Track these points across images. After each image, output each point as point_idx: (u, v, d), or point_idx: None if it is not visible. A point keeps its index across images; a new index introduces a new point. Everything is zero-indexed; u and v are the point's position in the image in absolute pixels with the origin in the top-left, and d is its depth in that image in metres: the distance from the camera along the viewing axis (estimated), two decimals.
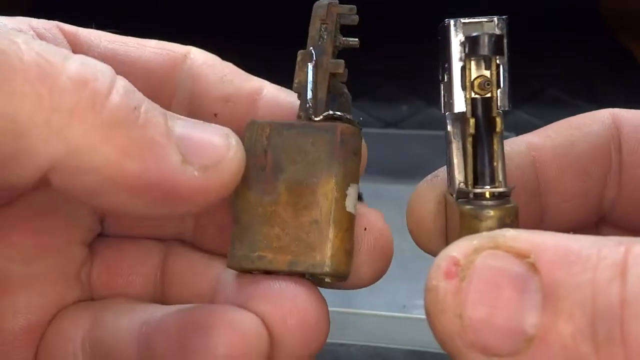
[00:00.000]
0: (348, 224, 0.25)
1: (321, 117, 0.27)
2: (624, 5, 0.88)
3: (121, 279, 0.30)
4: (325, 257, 0.25)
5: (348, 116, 0.27)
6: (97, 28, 0.30)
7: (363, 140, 0.27)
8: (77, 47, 0.29)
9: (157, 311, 0.27)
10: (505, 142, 0.25)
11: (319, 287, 0.26)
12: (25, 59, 0.20)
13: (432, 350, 0.45)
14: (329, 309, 0.27)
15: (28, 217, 0.28)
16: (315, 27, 0.27)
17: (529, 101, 0.78)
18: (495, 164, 0.24)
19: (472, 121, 0.24)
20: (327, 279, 0.26)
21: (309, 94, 0.27)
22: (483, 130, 0.24)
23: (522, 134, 0.29)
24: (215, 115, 0.29)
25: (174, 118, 0.24)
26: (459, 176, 0.25)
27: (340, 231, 0.25)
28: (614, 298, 0.17)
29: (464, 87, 0.24)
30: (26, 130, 0.20)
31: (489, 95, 0.24)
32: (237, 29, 0.82)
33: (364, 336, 0.47)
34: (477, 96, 0.24)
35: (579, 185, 0.28)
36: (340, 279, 0.26)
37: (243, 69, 0.30)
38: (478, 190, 0.24)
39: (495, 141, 0.24)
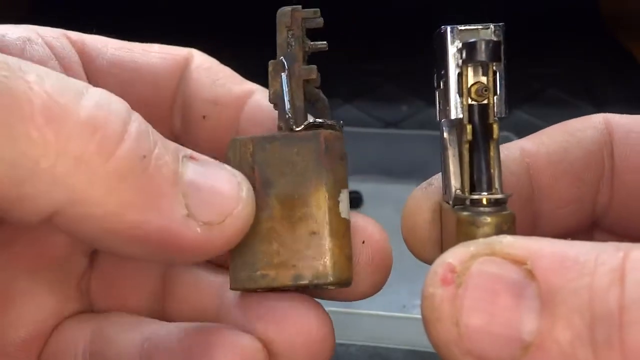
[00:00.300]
0: (345, 230, 0.26)
1: (302, 126, 0.26)
2: (623, 5, 0.88)
3: (121, 291, 0.30)
4: (327, 266, 0.25)
5: (329, 121, 0.27)
6: (97, 31, 0.31)
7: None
8: (84, 55, 0.29)
9: (160, 328, 0.27)
10: (499, 148, 0.25)
11: (321, 300, 0.27)
12: (34, 101, 0.20)
13: (432, 351, 0.45)
14: (329, 309, 0.27)
15: (30, 228, 0.28)
16: (282, 35, 0.27)
17: (529, 101, 0.78)
18: (492, 170, 0.24)
19: (469, 128, 0.24)
20: (332, 287, 0.26)
21: (287, 104, 0.27)
22: (480, 137, 0.24)
23: (521, 134, 0.29)
24: (204, 117, 0.29)
25: (186, 161, 0.23)
26: (455, 183, 0.24)
27: (338, 239, 0.25)
28: (612, 303, 0.17)
29: (460, 94, 0.24)
30: (30, 177, 0.20)
31: (485, 102, 0.24)
32: (237, 29, 0.82)
33: (364, 336, 0.47)
34: (473, 103, 0.24)
35: (573, 192, 0.28)
36: (345, 285, 0.26)
37: (242, 70, 0.30)
38: (475, 197, 0.24)
39: (491, 148, 0.24)
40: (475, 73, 0.24)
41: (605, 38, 0.89)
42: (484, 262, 0.20)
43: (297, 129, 0.26)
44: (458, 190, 0.24)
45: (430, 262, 0.25)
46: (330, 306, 0.27)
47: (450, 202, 0.24)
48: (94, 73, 0.29)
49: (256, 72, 0.30)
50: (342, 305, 0.43)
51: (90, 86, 0.22)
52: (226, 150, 0.26)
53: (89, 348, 0.27)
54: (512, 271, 0.19)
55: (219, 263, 0.30)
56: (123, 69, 0.29)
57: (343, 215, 0.26)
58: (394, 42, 0.82)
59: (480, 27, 0.24)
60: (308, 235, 0.25)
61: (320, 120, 0.27)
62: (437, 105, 0.25)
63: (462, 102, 0.24)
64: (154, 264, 0.30)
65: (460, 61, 0.24)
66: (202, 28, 0.86)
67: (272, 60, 0.27)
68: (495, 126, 0.24)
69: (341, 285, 0.26)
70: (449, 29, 0.24)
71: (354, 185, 0.64)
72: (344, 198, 0.26)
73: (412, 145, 0.66)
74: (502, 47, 0.23)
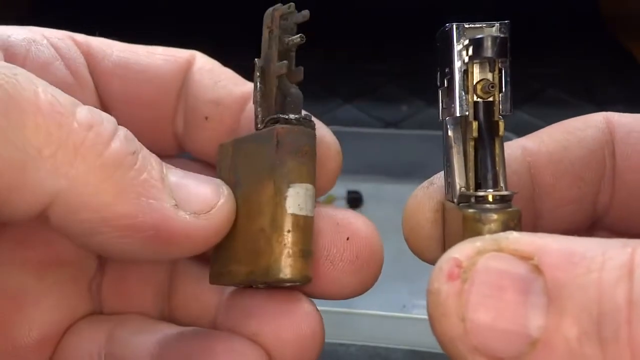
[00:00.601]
0: (293, 225, 0.25)
1: (264, 124, 0.27)
2: (623, 6, 0.88)
3: (130, 291, 0.30)
4: (269, 263, 0.25)
5: (292, 116, 0.26)
6: (99, 32, 0.31)
7: (324, 137, 0.27)
8: (90, 57, 0.29)
9: (171, 332, 0.27)
10: None
11: (318, 300, 0.27)
12: (41, 97, 0.22)
13: (432, 351, 0.45)
14: (329, 309, 0.27)
15: (40, 231, 0.28)
16: (264, 36, 0.27)
17: (529, 101, 0.78)
18: (497, 168, 0.24)
19: (475, 124, 0.24)
20: (287, 284, 0.25)
21: (256, 104, 0.27)
22: (485, 134, 0.24)
23: (522, 134, 0.29)
24: (206, 118, 0.29)
25: (168, 167, 0.25)
26: (459, 181, 0.24)
27: (282, 235, 0.25)
28: (620, 299, 0.17)
29: (466, 91, 0.24)
30: (33, 162, 0.21)
31: (491, 99, 0.24)
32: (237, 29, 0.82)
33: (364, 336, 0.47)
34: (479, 100, 0.24)
35: (574, 191, 0.28)
36: (300, 282, 0.25)
37: (243, 70, 0.30)
38: (481, 194, 0.23)
39: (497, 145, 0.24)
40: (481, 70, 0.24)
41: (605, 38, 0.89)
42: (491, 257, 0.20)
43: (261, 127, 0.27)
44: (463, 188, 0.24)
45: (432, 261, 0.25)
46: (330, 306, 0.27)
47: (455, 200, 0.24)
48: (99, 75, 0.29)
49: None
50: (342, 305, 0.43)
51: (79, 102, 0.23)
52: (217, 155, 0.28)
53: (104, 351, 0.28)
54: (519, 267, 0.19)
55: None
56: (128, 70, 0.29)
57: (290, 210, 0.25)
58: (395, 42, 0.82)
59: (484, 25, 0.24)
60: (258, 231, 0.25)
61: (278, 116, 0.26)
62: (440, 103, 0.25)
63: (467, 99, 0.24)
64: (157, 264, 0.30)
65: (466, 58, 0.24)
66: (202, 28, 0.86)
67: (256, 59, 0.28)
68: (500, 123, 0.24)
69: (295, 283, 0.25)
70: (454, 26, 0.24)
71: (354, 185, 0.64)
72: (294, 193, 0.25)
73: (412, 145, 0.66)
74: (509, 44, 0.23)
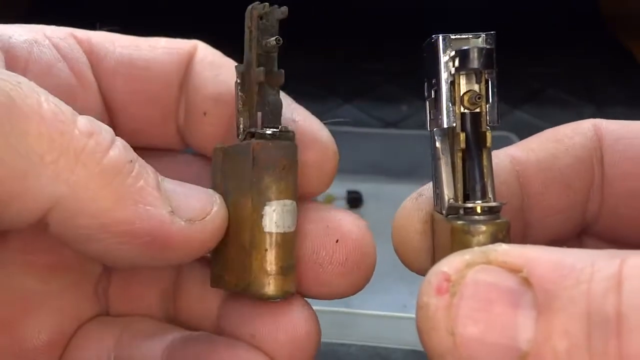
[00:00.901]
0: (269, 244, 0.25)
1: (243, 136, 0.27)
2: (623, 5, 0.88)
3: (137, 293, 0.30)
4: (250, 280, 0.25)
5: (268, 130, 0.26)
6: (100, 26, 0.31)
7: (320, 138, 0.27)
8: (92, 55, 0.29)
9: (177, 337, 0.28)
10: None
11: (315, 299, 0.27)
12: (44, 105, 0.22)
13: None
14: (329, 308, 0.27)
15: (45, 236, 0.28)
16: (245, 38, 0.27)
17: (529, 101, 0.78)
18: (485, 179, 0.24)
19: (462, 136, 0.24)
20: (267, 299, 0.26)
21: (237, 113, 0.27)
22: (473, 145, 0.24)
23: (522, 134, 0.29)
24: (205, 114, 0.29)
25: (163, 177, 0.25)
26: (447, 192, 0.24)
27: (259, 253, 0.25)
28: (609, 311, 0.17)
29: (453, 102, 0.24)
30: (35, 169, 0.22)
31: (478, 110, 0.24)
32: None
33: (364, 336, 0.47)
34: (466, 111, 0.24)
35: (563, 200, 0.28)
36: (272, 298, 0.26)
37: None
38: (469, 205, 0.23)
39: (484, 156, 0.24)
40: (468, 81, 0.24)
41: (605, 38, 0.89)
42: (480, 270, 0.19)
43: (241, 139, 0.27)
44: (451, 200, 0.24)
45: (422, 272, 0.25)
46: (330, 306, 0.28)
47: (444, 212, 0.24)
48: (102, 73, 0.29)
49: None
50: (342, 305, 0.43)
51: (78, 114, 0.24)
52: (212, 157, 0.28)
53: (113, 353, 0.28)
54: (508, 279, 0.19)
55: None
56: (130, 67, 0.29)
57: (267, 229, 0.25)
58: (394, 41, 0.82)
59: (471, 36, 0.24)
60: (241, 245, 0.26)
61: (254, 130, 0.26)
62: (428, 115, 0.25)
63: (454, 110, 0.24)
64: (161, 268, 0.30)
65: (452, 69, 0.24)
66: (204, 27, 0.86)
67: (236, 65, 0.27)
68: (488, 134, 0.24)
69: (276, 299, 0.26)
70: (440, 37, 0.24)
71: (354, 185, 0.64)
72: (270, 211, 0.25)
73: (412, 145, 0.66)
74: (494, 55, 0.23)
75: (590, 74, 0.82)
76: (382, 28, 0.86)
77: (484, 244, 0.22)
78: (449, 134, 0.25)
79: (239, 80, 0.27)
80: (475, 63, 0.23)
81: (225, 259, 0.27)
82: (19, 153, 0.21)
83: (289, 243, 0.25)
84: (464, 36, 0.24)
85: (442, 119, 0.24)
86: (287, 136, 0.26)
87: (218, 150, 0.28)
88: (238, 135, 0.27)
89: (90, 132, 0.23)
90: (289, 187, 0.26)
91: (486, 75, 0.24)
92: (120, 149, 0.23)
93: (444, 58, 0.24)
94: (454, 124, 0.24)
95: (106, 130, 0.24)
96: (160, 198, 0.24)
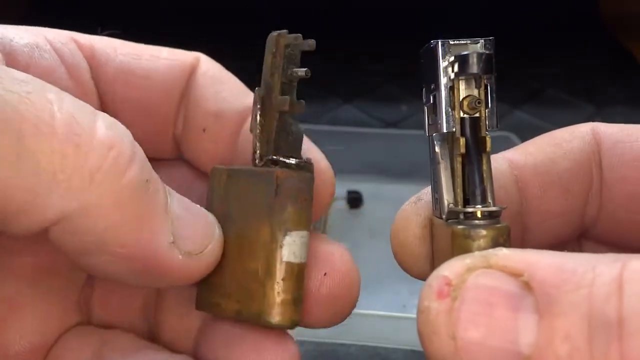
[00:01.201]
0: (286, 274, 0.25)
1: (262, 162, 0.26)
2: (623, 6, 0.88)
3: (119, 303, 0.30)
4: (261, 309, 0.25)
5: (293, 160, 0.26)
6: (101, 30, 0.30)
7: (319, 164, 0.27)
8: (93, 61, 0.29)
9: (157, 358, 0.27)
10: None
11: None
12: (57, 117, 0.21)
13: None
14: None
15: (32, 239, 0.28)
16: (267, 64, 0.26)
17: (529, 101, 0.78)
18: (485, 183, 0.24)
19: (462, 141, 0.24)
20: (273, 327, 0.26)
21: (255, 137, 0.27)
22: (472, 150, 0.24)
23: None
24: (204, 130, 0.29)
25: (171, 194, 0.25)
26: (447, 197, 0.24)
27: (277, 283, 0.25)
28: (611, 315, 0.17)
29: (452, 107, 0.24)
30: (45, 187, 0.21)
31: (477, 115, 0.24)
32: (242, 29, 0.82)
33: (364, 336, 0.47)
34: (465, 116, 0.24)
35: (561, 204, 0.28)
36: (282, 328, 0.26)
37: (246, 73, 0.30)
38: (469, 210, 0.24)
39: (484, 161, 0.24)
40: (467, 86, 0.24)
41: (605, 38, 0.89)
42: (481, 274, 0.19)
43: (259, 164, 0.26)
44: (451, 204, 0.24)
45: (421, 277, 0.25)
46: None
47: (443, 217, 0.24)
48: (102, 80, 0.29)
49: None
50: None
51: (98, 111, 0.23)
52: (209, 177, 0.27)
53: None
54: (509, 283, 0.19)
55: None
56: (131, 75, 0.29)
57: (286, 259, 0.25)
58: (394, 42, 0.82)
59: (469, 41, 0.24)
60: (252, 273, 0.25)
61: (277, 158, 0.26)
62: (426, 120, 0.25)
63: (454, 115, 0.24)
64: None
65: (452, 74, 0.24)
66: (204, 28, 0.86)
67: (256, 88, 0.27)
68: (488, 139, 0.24)
69: (283, 328, 0.26)
70: (439, 43, 0.24)
71: (354, 185, 0.64)
72: (290, 241, 0.25)
73: (412, 145, 0.66)
74: (494, 60, 0.23)
75: (590, 74, 0.82)
76: (382, 28, 0.86)
77: (485, 248, 0.22)
78: (448, 139, 0.25)
79: (259, 105, 0.26)
80: (474, 68, 0.23)
81: (224, 285, 0.26)
82: (29, 172, 0.20)
83: (301, 274, 0.25)
84: (462, 42, 0.24)
85: (441, 124, 0.24)
86: (308, 168, 0.26)
87: (220, 172, 0.27)
88: (254, 160, 0.27)
89: (110, 145, 0.22)
90: (307, 219, 0.25)
91: (485, 81, 0.24)
92: (138, 167, 0.23)
93: (443, 63, 0.24)
94: (454, 129, 0.24)
95: (127, 137, 0.23)
96: (165, 226, 0.23)
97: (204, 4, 0.91)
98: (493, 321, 0.19)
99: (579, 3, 0.90)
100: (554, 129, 0.29)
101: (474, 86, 0.24)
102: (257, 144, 0.26)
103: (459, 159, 0.24)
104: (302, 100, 0.26)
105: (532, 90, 0.80)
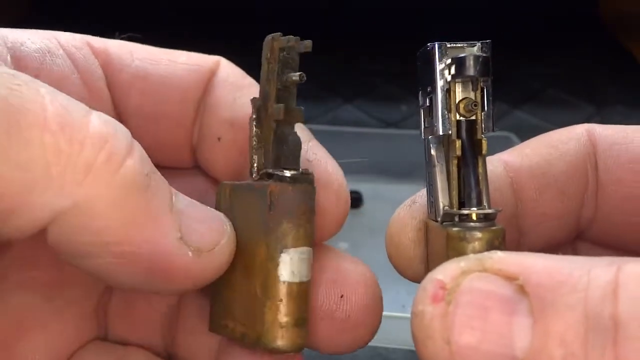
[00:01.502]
0: (285, 295, 0.23)
1: (258, 176, 0.25)
2: (623, 6, 0.88)
3: (137, 317, 0.29)
4: (261, 332, 0.24)
5: (288, 172, 0.24)
6: (119, 34, 0.29)
7: (332, 184, 0.26)
8: (108, 68, 0.28)
9: None
10: None
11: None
12: (48, 109, 0.20)
13: None
14: None
15: (44, 250, 0.27)
16: (263, 70, 0.25)
17: (529, 101, 0.78)
18: (480, 186, 0.24)
19: (458, 143, 0.24)
20: (277, 352, 0.24)
21: (251, 150, 0.25)
22: (468, 153, 0.24)
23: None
24: (219, 139, 0.28)
25: (176, 193, 0.23)
26: (443, 199, 0.24)
27: (274, 304, 0.23)
28: (606, 319, 0.17)
29: (449, 110, 0.24)
30: (37, 182, 0.19)
31: (473, 117, 0.24)
32: (243, 30, 0.82)
33: None
34: (461, 119, 0.24)
35: (557, 206, 0.27)
36: (283, 352, 0.24)
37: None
38: (465, 212, 0.23)
39: (480, 163, 0.24)
40: (464, 89, 0.24)
41: (606, 38, 0.89)
42: (475, 278, 0.19)
43: (255, 178, 0.25)
44: (446, 207, 0.24)
45: (416, 280, 0.25)
46: None
47: (439, 219, 0.24)
48: (117, 87, 0.28)
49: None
50: None
51: (92, 110, 0.22)
52: (217, 193, 0.26)
53: None
54: (503, 287, 0.19)
55: None
56: (147, 82, 0.28)
57: (283, 278, 0.23)
58: (394, 42, 0.82)
59: (466, 44, 0.24)
60: (252, 293, 0.24)
61: (277, 172, 0.24)
62: (422, 123, 0.25)
63: (450, 118, 0.24)
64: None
65: (449, 77, 0.24)
66: (200, 27, 0.86)
67: (252, 98, 0.26)
68: (484, 142, 0.24)
69: (285, 352, 0.24)
70: (436, 45, 0.24)
71: (354, 185, 0.64)
72: (287, 259, 0.23)
73: (412, 145, 0.65)
74: (490, 63, 0.23)
75: (590, 74, 0.82)
76: (382, 28, 0.86)
77: (480, 251, 0.22)
78: (444, 142, 0.25)
79: (254, 115, 0.25)
80: (471, 70, 0.23)
81: (230, 305, 0.25)
82: (21, 166, 0.19)
83: (303, 293, 0.24)
84: (459, 44, 0.24)
85: (437, 127, 0.24)
86: (307, 179, 0.24)
87: (226, 187, 0.26)
88: (251, 174, 0.25)
89: (104, 138, 0.21)
90: (307, 234, 0.24)
91: (482, 83, 0.24)
92: (136, 159, 0.21)
93: (439, 66, 0.24)
94: (450, 132, 0.24)
95: (122, 133, 0.22)
96: (171, 220, 0.22)
97: (204, 4, 0.91)
98: (488, 325, 0.19)
99: (579, 3, 0.90)
100: (554, 129, 0.29)
101: (470, 89, 0.24)
102: (254, 157, 0.25)
103: (455, 162, 0.24)
104: (300, 107, 0.25)
105: (532, 90, 0.80)
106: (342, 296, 0.26)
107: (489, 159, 0.27)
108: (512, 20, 0.81)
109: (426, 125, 0.25)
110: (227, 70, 0.29)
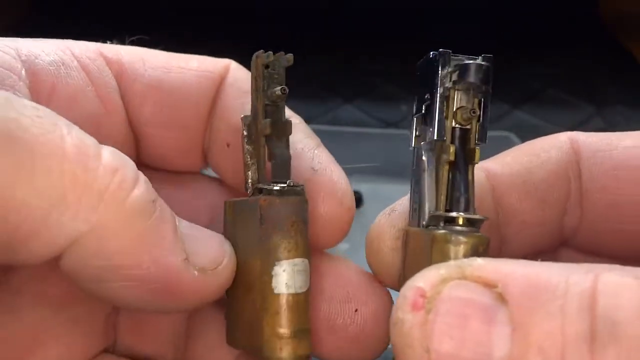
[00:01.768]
0: (280, 306, 0.24)
1: (252, 191, 0.26)
2: (623, 6, 0.88)
3: (147, 330, 0.29)
4: (261, 344, 0.24)
5: (276, 186, 0.25)
6: (129, 37, 0.30)
7: (336, 193, 0.26)
8: (122, 78, 0.28)
9: None
10: None
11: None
12: (66, 140, 0.21)
13: None
14: None
15: (54, 264, 0.28)
16: (251, 88, 0.26)
17: (529, 101, 0.78)
18: (469, 193, 0.24)
19: (452, 148, 0.24)
20: None
21: (245, 166, 0.26)
22: (460, 160, 0.24)
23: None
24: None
25: (179, 219, 0.24)
26: (429, 205, 0.25)
27: (271, 317, 0.24)
28: (583, 328, 0.17)
29: (446, 117, 0.24)
30: (56, 208, 0.20)
31: (468, 127, 0.24)
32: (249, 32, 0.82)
33: None
34: (457, 126, 0.24)
35: (538, 214, 0.27)
36: None
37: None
38: (453, 215, 0.24)
39: (470, 171, 0.24)
40: (462, 98, 0.24)
41: (606, 38, 0.89)
42: (455, 286, 0.19)
43: (249, 194, 0.26)
44: (433, 211, 0.24)
45: (394, 287, 0.25)
46: None
47: (423, 223, 0.24)
48: (131, 98, 0.28)
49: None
50: None
51: (103, 145, 0.23)
52: (224, 210, 0.27)
53: None
54: (483, 295, 0.19)
55: None
56: (160, 91, 0.28)
57: (277, 290, 0.24)
58: (394, 42, 0.82)
59: (467, 57, 0.24)
60: (253, 308, 0.25)
61: (265, 187, 0.25)
62: (414, 131, 0.26)
63: (446, 125, 0.24)
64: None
65: (449, 84, 0.24)
66: (192, 21, 0.86)
67: (242, 116, 0.26)
68: (477, 151, 0.24)
69: None
70: (440, 52, 0.24)
71: (354, 185, 0.64)
72: (280, 271, 0.24)
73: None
74: (491, 75, 0.24)
75: (590, 74, 0.82)
76: (382, 28, 0.86)
77: (465, 255, 0.22)
78: (436, 149, 0.25)
79: (245, 132, 0.26)
80: (474, 77, 0.23)
81: (237, 318, 0.26)
82: (41, 193, 0.20)
83: (301, 304, 0.24)
84: (461, 56, 0.24)
85: (432, 132, 0.24)
86: (295, 191, 0.25)
87: (229, 204, 0.27)
88: (246, 190, 0.26)
89: (115, 168, 0.22)
90: (299, 245, 0.24)
91: (480, 95, 0.24)
92: (143, 187, 0.22)
93: (442, 72, 0.24)
94: (444, 138, 0.24)
95: (130, 165, 0.23)
96: (177, 243, 0.23)
97: (204, 4, 0.91)
98: (467, 334, 0.19)
99: (579, 3, 0.90)
100: (554, 128, 0.29)
101: (468, 99, 0.24)
102: (248, 173, 0.26)
103: (446, 167, 0.24)
104: (288, 119, 0.26)
105: (532, 90, 0.80)
106: (356, 310, 0.26)
107: None
108: (512, 20, 0.81)
109: (417, 134, 0.26)
110: (235, 75, 0.29)
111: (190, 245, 0.23)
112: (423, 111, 0.25)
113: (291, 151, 0.26)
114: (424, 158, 0.25)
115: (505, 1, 0.82)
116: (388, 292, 0.27)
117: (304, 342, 0.24)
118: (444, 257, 0.22)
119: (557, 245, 0.29)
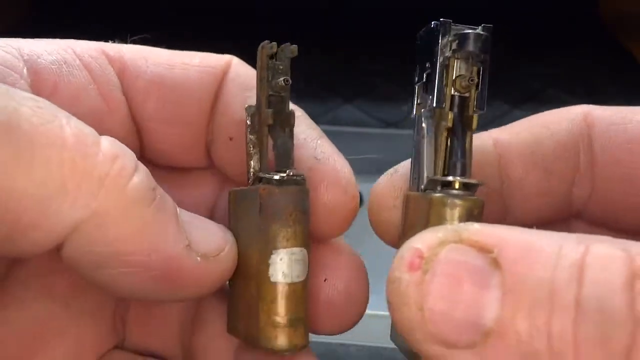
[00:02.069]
0: (277, 295, 0.24)
1: (251, 180, 0.26)
2: (623, 6, 0.88)
3: (155, 324, 0.29)
4: (257, 333, 0.24)
5: (276, 175, 0.25)
6: (130, 36, 0.30)
7: (339, 181, 0.26)
8: (124, 75, 0.28)
9: None
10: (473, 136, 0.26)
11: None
12: (66, 130, 0.21)
13: None
14: None
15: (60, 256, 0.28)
16: (256, 78, 0.26)
17: (529, 101, 0.78)
18: (466, 158, 0.25)
19: (450, 115, 0.25)
20: (278, 354, 0.25)
21: (247, 156, 0.26)
22: (458, 126, 0.25)
23: None
24: (231, 139, 0.28)
25: (180, 208, 0.24)
26: (428, 170, 0.25)
27: (266, 305, 0.24)
28: (569, 299, 0.18)
29: (445, 84, 0.25)
30: (56, 196, 0.21)
31: (467, 94, 0.25)
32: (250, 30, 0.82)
33: (364, 336, 0.47)
34: (456, 94, 0.25)
35: (543, 185, 0.28)
36: (280, 352, 0.25)
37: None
38: (449, 179, 0.24)
39: (468, 138, 0.25)
40: (462, 66, 0.25)
41: (605, 38, 0.89)
42: (451, 249, 0.20)
43: (250, 183, 0.26)
44: (431, 175, 0.25)
45: (393, 244, 0.26)
46: None
47: (422, 187, 0.25)
48: (134, 95, 0.28)
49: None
50: None
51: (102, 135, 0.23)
52: (228, 199, 0.27)
53: None
54: (478, 259, 0.19)
55: None
56: (163, 87, 0.28)
57: (273, 279, 0.24)
58: (394, 42, 0.82)
59: (466, 27, 0.25)
60: (251, 296, 0.25)
61: (265, 175, 0.25)
62: (415, 99, 0.26)
63: (446, 92, 0.25)
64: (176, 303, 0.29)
65: (449, 53, 0.25)
66: (191, 21, 0.86)
67: (246, 106, 0.27)
68: (474, 118, 0.25)
69: (285, 353, 0.25)
70: (441, 21, 0.25)
71: None
72: (277, 260, 0.24)
73: (412, 145, 0.66)
74: (490, 44, 0.24)
75: (590, 74, 0.82)
76: (382, 28, 0.86)
77: (460, 217, 0.23)
78: (436, 116, 0.25)
79: (248, 122, 0.26)
80: (472, 46, 0.24)
81: (237, 307, 0.26)
82: (41, 182, 0.20)
83: (298, 293, 0.24)
84: (461, 26, 0.25)
85: (432, 99, 0.25)
86: (295, 181, 0.25)
87: (231, 193, 0.27)
88: (248, 179, 0.26)
89: (114, 155, 0.22)
90: (298, 234, 0.24)
91: (479, 64, 0.25)
92: (143, 174, 0.22)
93: (442, 41, 0.25)
94: (443, 105, 0.25)
95: (129, 154, 0.23)
96: (178, 229, 0.23)
97: (204, 3, 0.91)
98: (460, 295, 0.19)
99: (579, 3, 0.90)
100: None
101: (467, 68, 0.25)
102: (250, 162, 0.26)
103: (445, 134, 0.25)
104: (292, 110, 0.26)
105: (532, 90, 0.80)
106: (325, 280, 0.27)
107: (479, 134, 0.28)
108: (512, 20, 0.81)
109: (419, 102, 0.26)
110: (237, 70, 0.29)
111: (192, 233, 0.23)
112: (424, 80, 0.25)
113: (294, 141, 0.26)
114: (423, 125, 0.26)
115: (505, 1, 0.82)
116: (361, 265, 0.28)
117: (300, 330, 0.25)
118: (441, 219, 0.23)
119: (566, 216, 0.29)
